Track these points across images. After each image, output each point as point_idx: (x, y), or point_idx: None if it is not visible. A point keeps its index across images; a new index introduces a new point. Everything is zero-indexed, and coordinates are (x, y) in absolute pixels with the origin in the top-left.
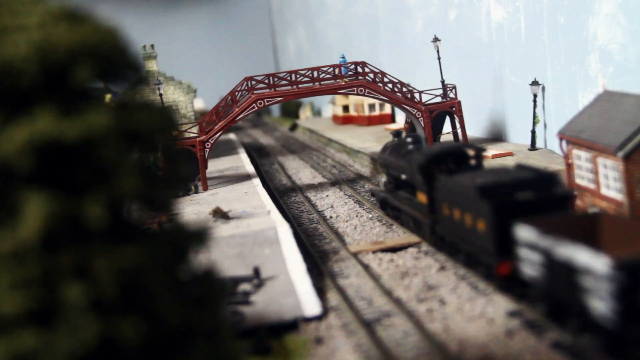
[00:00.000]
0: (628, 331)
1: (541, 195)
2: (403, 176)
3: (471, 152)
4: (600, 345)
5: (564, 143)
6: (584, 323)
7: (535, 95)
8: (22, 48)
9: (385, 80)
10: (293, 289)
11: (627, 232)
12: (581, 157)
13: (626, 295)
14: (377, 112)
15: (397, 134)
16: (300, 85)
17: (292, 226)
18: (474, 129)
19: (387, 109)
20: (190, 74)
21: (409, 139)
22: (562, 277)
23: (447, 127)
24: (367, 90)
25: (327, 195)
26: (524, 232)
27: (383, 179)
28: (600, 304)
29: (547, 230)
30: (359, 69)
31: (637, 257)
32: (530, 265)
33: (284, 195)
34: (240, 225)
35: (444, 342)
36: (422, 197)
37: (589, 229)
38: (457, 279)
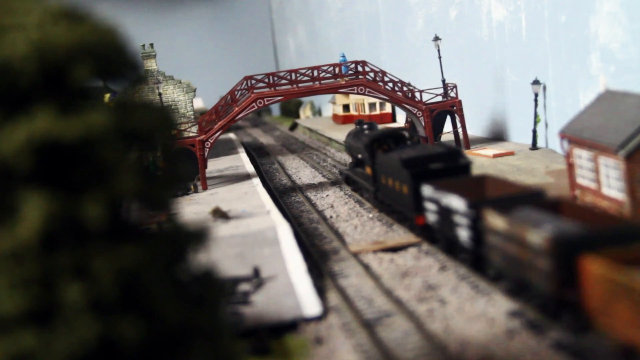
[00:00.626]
0: (478, 250)
1: (447, 165)
2: (359, 155)
3: (406, 135)
4: (467, 262)
5: (565, 142)
6: (459, 249)
7: (536, 95)
8: (21, 47)
9: (386, 79)
10: (293, 289)
11: (503, 188)
12: (582, 157)
13: (474, 225)
14: (377, 112)
15: (359, 122)
16: (300, 85)
17: (292, 226)
18: (475, 128)
19: (388, 108)
20: (190, 73)
21: (365, 126)
22: (446, 218)
23: (448, 126)
24: (367, 89)
25: (327, 195)
26: (426, 190)
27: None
28: (463, 233)
29: (439, 187)
30: (360, 68)
31: (481, 198)
32: (432, 213)
33: (284, 195)
34: (240, 225)
35: (445, 342)
36: (368, 170)
37: (477, 187)
38: (457, 279)
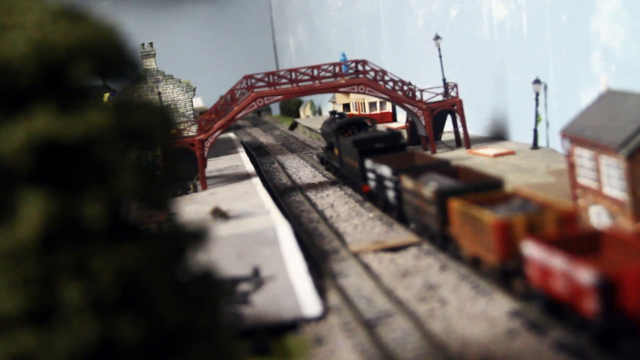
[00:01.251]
0: (400, 205)
1: (387, 144)
2: (330, 140)
3: (369, 122)
4: (396, 217)
5: (566, 141)
6: (390, 207)
7: (537, 94)
8: (20, 47)
9: (386, 78)
10: (293, 288)
11: (423, 160)
12: (583, 156)
13: (397, 188)
14: (378, 111)
15: (332, 112)
16: (300, 84)
17: (292, 226)
18: (476, 127)
19: (388, 107)
20: (190, 72)
21: (336, 116)
22: (380, 184)
23: (448, 125)
24: (367, 88)
25: (328, 195)
26: (368, 164)
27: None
28: (391, 193)
29: (376, 160)
30: (360, 67)
31: (403, 166)
32: (372, 181)
33: (283, 195)
34: (239, 224)
35: (445, 343)
36: (336, 151)
37: (406, 160)
38: (458, 279)
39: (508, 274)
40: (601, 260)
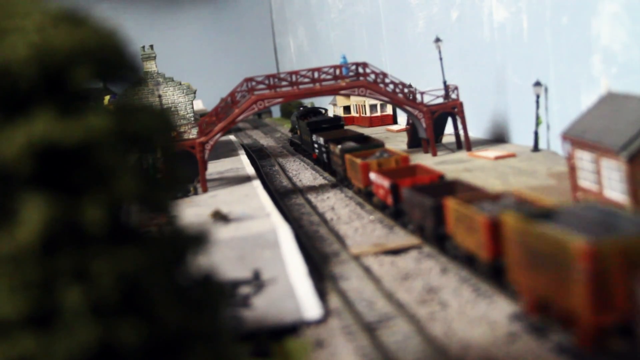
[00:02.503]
0: (329, 163)
1: (331, 125)
2: (297, 126)
3: (323, 111)
4: (326, 169)
5: (567, 144)
6: (327, 167)
7: (537, 96)
8: (21, 50)
9: (387, 81)
10: (293, 291)
11: (351, 134)
12: (584, 159)
13: (327, 150)
14: (378, 113)
15: (299, 105)
16: (300, 86)
17: (293, 228)
18: (476, 130)
19: (389, 109)
20: (190, 74)
21: (302, 109)
22: (322, 150)
23: (449, 128)
24: (368, 90)
25: (328, 197)
26: (314, 137)
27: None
28: (324, 155)
29: (319, 135)
30: (360, 70)
31: (332, 137)
32: (317, 150)
33: (284, 197)
34: (240, 227)
35: (446, 346)
36: (298, 132)
37: (341, 134)
38: (459, 282)
39: (368, 193)
40: (406, 179)
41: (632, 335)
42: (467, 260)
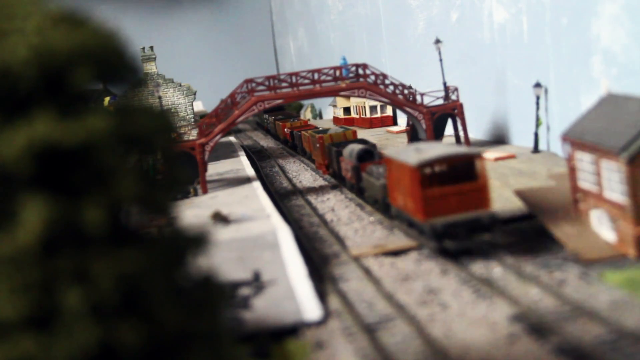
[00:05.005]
0: (295, 143)
1: (285, 114)
2: (260, 117)
3: (286, 110)
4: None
5: (566, 145)
6: (291, 145)
7: (537, 97)
8: (21, 52)
9: (387, 82)
10: (293, 293)
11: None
12: (584, 160)
13: (293, 135)
14: (378, 114)
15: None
16: (300, 87)
17: (293, 230)
18: (476, 131)
19: (389, 111)
20: (190, 75)
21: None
22: (294, 136)
23: (449, 129)
24: (368, 92)
25: (328, 199)
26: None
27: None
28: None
29: (277, 119)
30: (360, 71)
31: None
32: (268, 126)
33: (284, 199)
34: (240, 228)
35: (446, 347)
36: (264, 123)
37: (292, 117)
38: (458, 283)
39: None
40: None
41: None
42: (350, 186)
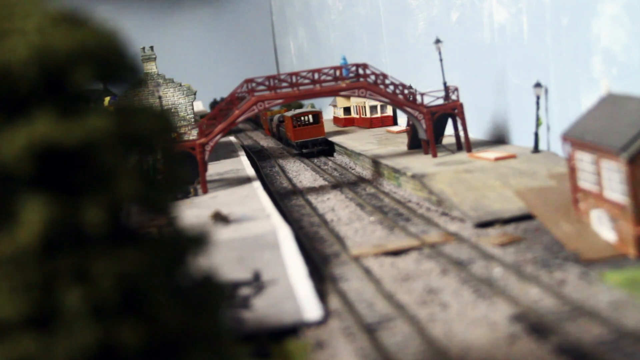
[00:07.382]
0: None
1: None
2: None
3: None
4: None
5: (567, 145)
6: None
7: (538, 97)
8: (21, 52)
9: (387, 82)
10: (293, 293)
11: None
12: (584, 160)
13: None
14: (378, 114)
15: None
16: (300, 87)
17: (293, 229)
18: (476, 131)
19: (389, 111)
20: (190, 76)
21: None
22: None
23: (449, 129)
24: (368, 92)
25: (328, 199)
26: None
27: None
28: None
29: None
30: (360, 71)
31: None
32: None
33: (284, 199)
34: (240, 228)
35: (446, 347)
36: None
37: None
38: (459, 283)
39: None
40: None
41: None
42: (286, 142)
